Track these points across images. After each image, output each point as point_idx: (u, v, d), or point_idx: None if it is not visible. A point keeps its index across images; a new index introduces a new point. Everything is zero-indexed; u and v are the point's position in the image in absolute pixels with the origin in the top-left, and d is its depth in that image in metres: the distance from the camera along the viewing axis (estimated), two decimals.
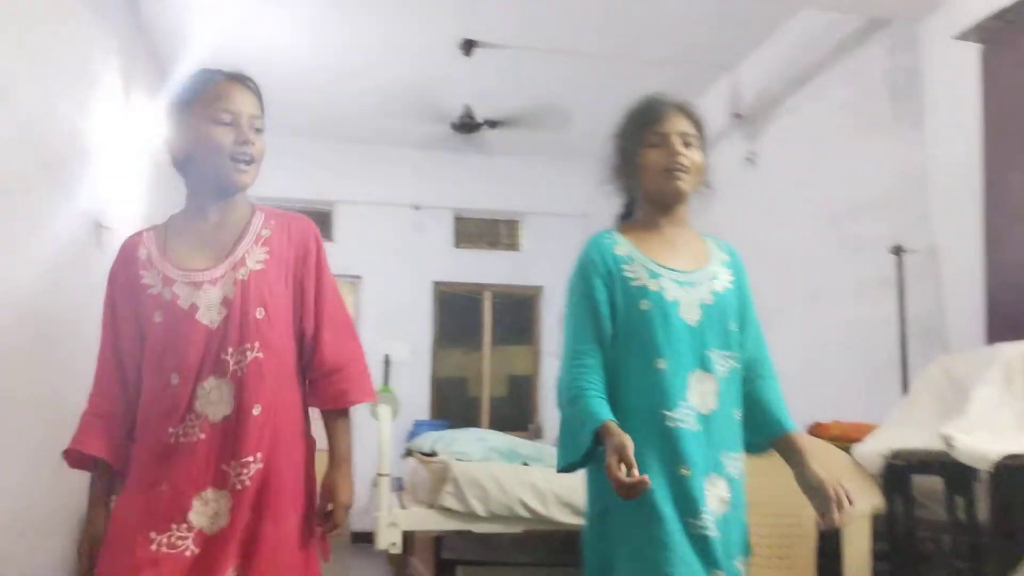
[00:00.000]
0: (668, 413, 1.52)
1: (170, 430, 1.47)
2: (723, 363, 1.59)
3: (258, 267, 1.54)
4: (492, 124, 5.46)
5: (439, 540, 3.78)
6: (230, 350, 1.49)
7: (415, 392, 6.18)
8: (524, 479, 3.48)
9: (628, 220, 1.74)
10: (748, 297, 1.71)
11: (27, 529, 3.03)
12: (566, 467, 1.58)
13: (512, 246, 6.80)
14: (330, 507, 1.57)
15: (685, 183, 1.63)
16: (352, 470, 1.63)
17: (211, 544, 1.44)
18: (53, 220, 3.25)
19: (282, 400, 1.54)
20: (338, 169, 6.29)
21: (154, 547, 1.42)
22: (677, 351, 1.55)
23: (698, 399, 1.55)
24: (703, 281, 1.62)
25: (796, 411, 4.14)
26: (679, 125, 1.64)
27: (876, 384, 3.53)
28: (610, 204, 5.99)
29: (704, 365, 1.57)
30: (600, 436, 1.46)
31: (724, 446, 1.56)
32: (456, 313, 6.67)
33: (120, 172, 4.16)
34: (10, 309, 2.87)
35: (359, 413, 6.11)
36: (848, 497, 1.49)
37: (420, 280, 6.46)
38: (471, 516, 3.44)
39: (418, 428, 5.61)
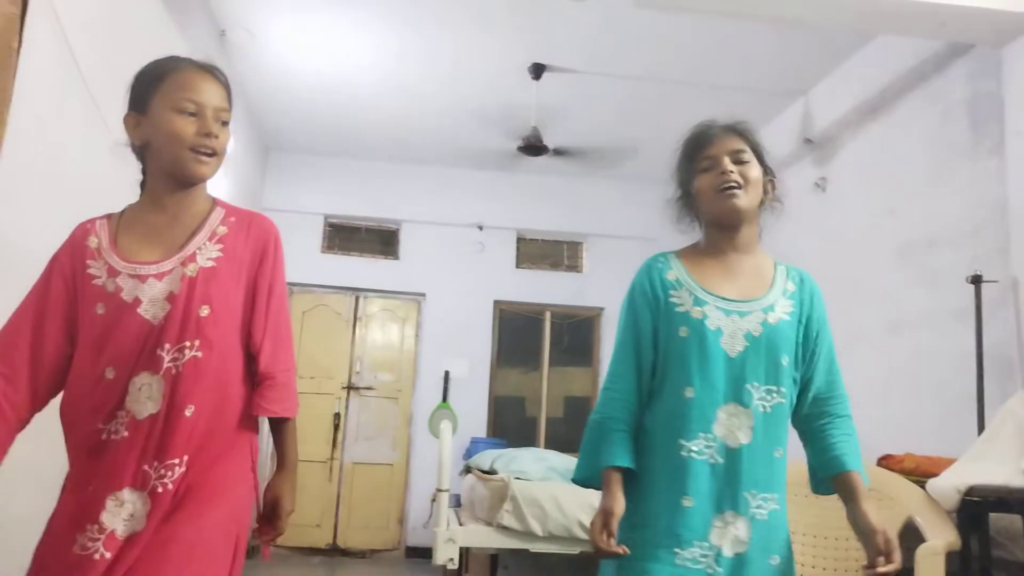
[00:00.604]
0: (684, 442, 1.51)
1: (100, 426, 1.40)
2: (765, 398, 1.53)
3: (208, 264, 1.47)
4: (558, 149, 5.50)
5: (495, 558, 3.79)
6: (167, 346, 1.41)
7: (473, 410, 6.21)
8: (583, 500, 3.46)
9: (692, 245, 1.72)
10: (819, 329, 1.64)
11: None
12: (580, 483, 1.63)
13: (574, 267, 6.81)
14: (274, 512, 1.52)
15: (740, 199, 1.59)
16: (296, 479, 1.57)
17: (124, 549, 1.35)
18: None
19: (221, 402, 1.46)
20: (406, 189, 6.43)
21: (75, 549, 1.35)
22: (709, 381, 1.53)
23: (725, 432, 1.51)
24: (754, 311, 1.58)
25: (867, 443, 4.03)
26: (728, 145, 1.62)
27: (951, 417, 3.42)
28: (675, 229, 5.90)
29: (739, 398, 1.52)
30: (607, 477, 1.53)
31: (752, 485, 1.50)
32: (516, 332, 6.70)
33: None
34: None
35: (420, 430, 6.25)
36: (894, 552, 1.46)
37: (482, 299, 6.52)
38: (529, 535, 3.44)
39: (475, 446, 5.64)
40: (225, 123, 1.51)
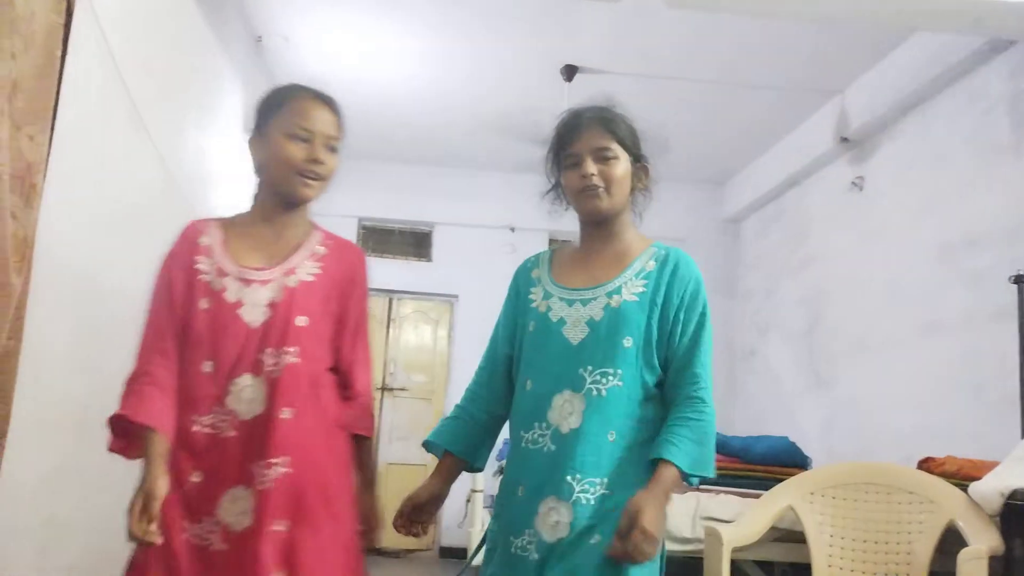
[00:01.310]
0: (523, 433, 1.55)
1: (194, 417, 1.47)
2: (600, 381, 1.50)
3: (308, 279, 1.56)
4: None
5: None
6: (268, 351, 1.49)
7: None
8: None
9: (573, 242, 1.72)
10: (681, 309, 1.56)
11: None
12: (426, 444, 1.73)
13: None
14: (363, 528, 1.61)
15: (602, 201, 1.58)
16: (376, 491, 1.69)
17: (237, 542, 1.44)
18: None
19: (316, 407, 1.53)
20: (439, 191, 6.47)
21: (186, 535, 1.44)
22: (546, 371, 1.54)
23: (558, 418, 1.51)
24: (598, 297, 1.56)
25: (907, 445, 3.98)
26: (591, 141, 1.60)
27: (993, 419, 3.35)
28: (708, 230, 5.95)
29: (573, 384, 1.51)
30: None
31: (576, 469, 1.47)
32: None
33: (237, 194, 4.41)
34: (139, 317, 3.08)
35: None
36: (631, 537, 1.37)
37: None
38: None
39: (507, 447, 5.65)
40: (333, 150, 1.61)
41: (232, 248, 1.58)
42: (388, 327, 6.46)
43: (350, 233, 6.43)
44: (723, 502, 3.34)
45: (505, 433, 5.89)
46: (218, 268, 1.54)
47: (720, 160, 6.05)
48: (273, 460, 1.46)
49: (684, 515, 3.41)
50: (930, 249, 3.94)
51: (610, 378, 1.50)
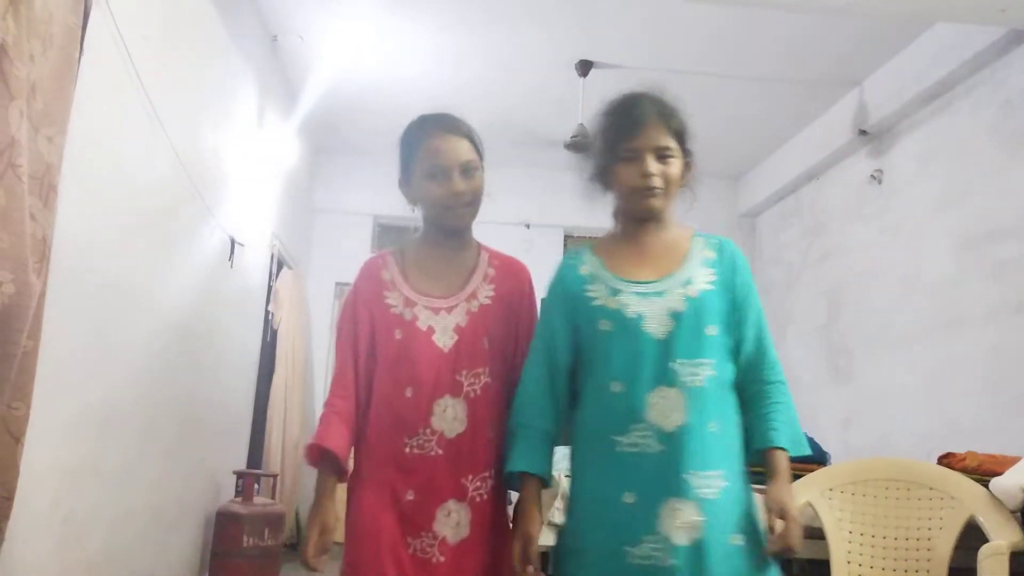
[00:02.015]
0: (617, 438, 1.47)
1: (405, 439, 1.57)
2: (694, 372, 1.48)
3: (487, 302, 1.67)
4: None
5: (546, 556, 3.79)
6: (464, 372, 1.60)
7: None
8: None
9: (609, 234, 1.70)
10: (745, 294, 1.57)
11: (157, 525, 3.25)
12: (505, 479, 1.63)
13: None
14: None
15: (658, 200, 1.57)
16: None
17: (456, 553, 1.55)
18: (195, 236, 3.52)
19: (504, 423, 1.63)
20: None
21: (410, 551, 1.54)
22: (635, 370, 1.48)
23: (659, 417, 1.45)
24: (673, 288, 1.53)
25: (928, 440, 3.94)
26: (654, 139, 1.56)
27: (1015, 414, 3.31)
28: (724, 225, 5.91)
29: (667, 379, 1.47)
30: (521, 489, 1.56)
31: (692, 465, 1.43)
32: None
33: (253, 192, 4.44)
34: (156, 317, 3.11)
35: None
36: (786, 535, 1.40)
37: None
38: None
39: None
40: (471, 172, 1.67)
41: (412, 279, 1.68)
42: None
43: (366, 231, 6.45)
44: None
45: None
46: (405, 299, 1.65)
47: (737, 154, 6.01)
48: (484, 473, 1.59)
49: None
50: (951, 242, 3.89)
51: (704, 368, 1.49)
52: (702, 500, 1.42)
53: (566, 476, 3.57)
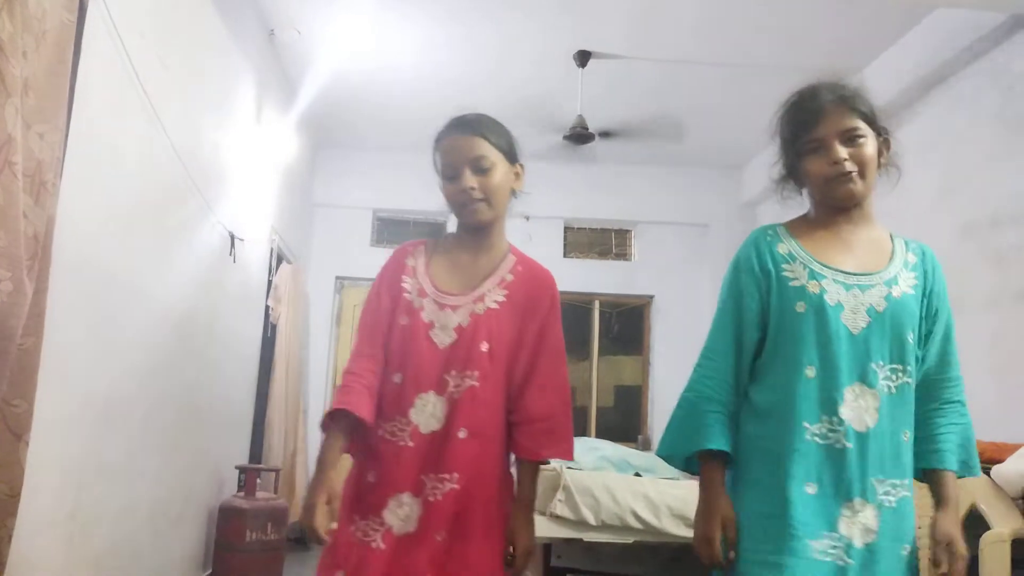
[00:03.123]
0: (808, 426, 1.41)
1: (381, 422, 1.58)
2: (891, 377, 1.43)
3: (494, 306, 1.65)
4: (605, 135, 5.46)
5: (548, 547, 3.80)
6: (453, 372, 1.59)
7: None
8: (637, 489, 3.45)
9: (801, 217, 1.61)
10: (939, 305, 1.53)
11: (161, 520, 3.27)
12: (664, 458, 1.57)
13: (622, 255, 6.77)
14: (511, 550, 1.60)
15: (857, 185, 1.48)
16: (532, 516, 1.66)
17: (398, 545, 1.53)
18: (195, 232, 3.51)
19: (489, 430, 1.61)
20: None
21: (352, 528, 1.55)
22: (832, 360, 1.42)
23: (852, 415, 1.41)
24: (877, 284, 1.47)
25: None
26: (838, 123, 1.48)
27: (1016, 402, 3.31)
28: (727, 214, 5.87)
29: (865, 378, 1.42)
30: (704, 469, 1.48)
31: (880, 471, 1.41)
32: (565, 322, 6.49)
33: (252, 187, 4.44)
34: (156, 313, 3.11)
35: None
36: (951, 568, 1.39)
37: None
38: (582, 525, 3.44)
39: None
40: (485, 169, 1.65)
41: (433, 271, 1.69)
42: None
43: (365, 225, 6.44)
44: None
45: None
46: (419, 288, 1.66)
47: (738, 144, 5.99)
48: (445, 475, 1.56)
49: None
50: (953, 229, 3.88)
51: (900, 375, 1.45)
52: (882, 507, 1.41)
53: (568, 468, 3.58)
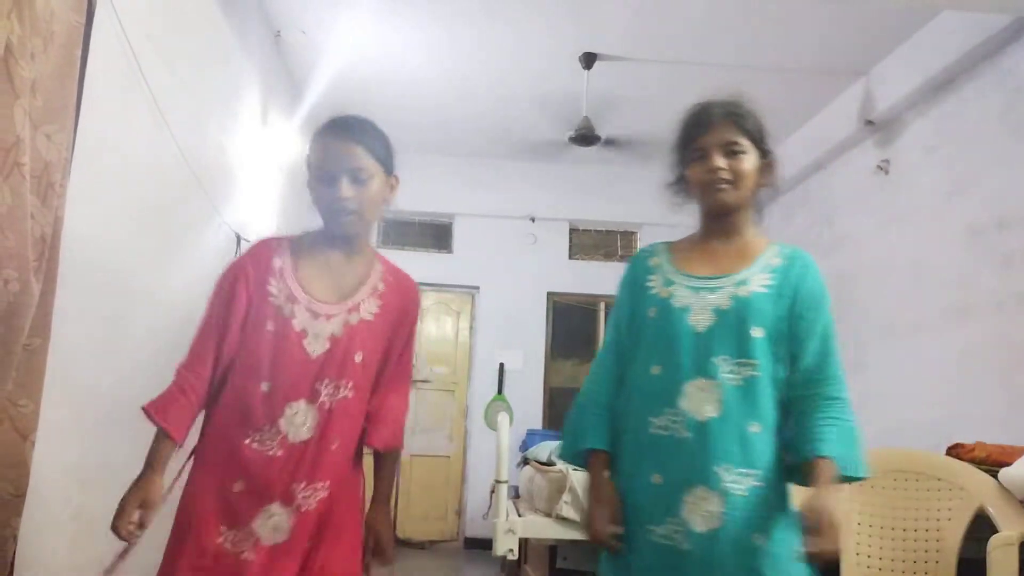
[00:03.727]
0: (652, 419, 1.53)
1: (249, 432, 1.53)
2: (736, 371, 1.50)
3: (369, 317, 1.62)
4: (611, 141, 5.46)
5: (554, 549, 3.79)
6: (325, 382, 1.55)
7: (528, 401, 6.23)
8: None
9: (690, 235, 1.74)
10: (811, 307, 1.57)
11: (165, 521, 3.26)
12: (564, 458, 1.78)
13: (627, 257, 6.75)
14: (371, 544, 1.65)
15: (728, 195, 1.60)
16: (390, 509, 1.72)
17: (268, 555, 1.50)
18: (201, 233, 3.52)
19: (351, 437, 1.62)
20: (458, 182, 6.46)
21: (220, 540, 1.50)
22: (675, 358, 1.53)
23: (693, 406, 1.50)
24: (725, 286, 1.57)
25: (936, 431, 3.92)
26: (721, 135, 1.60)
27: (1023, 405, 3.30)
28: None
29: (706, 372, 1.51)
30: (589, 464, 1.64)
31: (725, 459, 1.47)
32: (570, 324, 6.69)
33: (257, 188, 4.45)
34: (162, 314, 3.12)
35: (476, 422, 6.32)
36: (822, 536, 1.39)
37: (535, 291, 6.52)
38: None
39: (531, 438, 5.66)
40: (362, 181, 1.60)
41: (302, 275, 1.61)
42: None
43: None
44: None
45: (529, 424, 5.86)
46: (288, 294, 1.59)
47: None
48: (318, 484, 1.54)
49: None
50: (959, 232, 3.87)
51: (746, 368, 1.51)
52: (728, 495, 1.45)
53: (574, 469, 3.58)
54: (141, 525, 1.50)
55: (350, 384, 1.57)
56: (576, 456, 1.69)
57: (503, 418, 3.81)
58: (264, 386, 1.54)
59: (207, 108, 3.52)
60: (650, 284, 1.64)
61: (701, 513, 1.45)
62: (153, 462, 1.55)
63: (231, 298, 1.59)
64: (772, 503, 1.48)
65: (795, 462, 1.51)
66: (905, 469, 2.19)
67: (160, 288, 3.06)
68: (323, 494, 1.55)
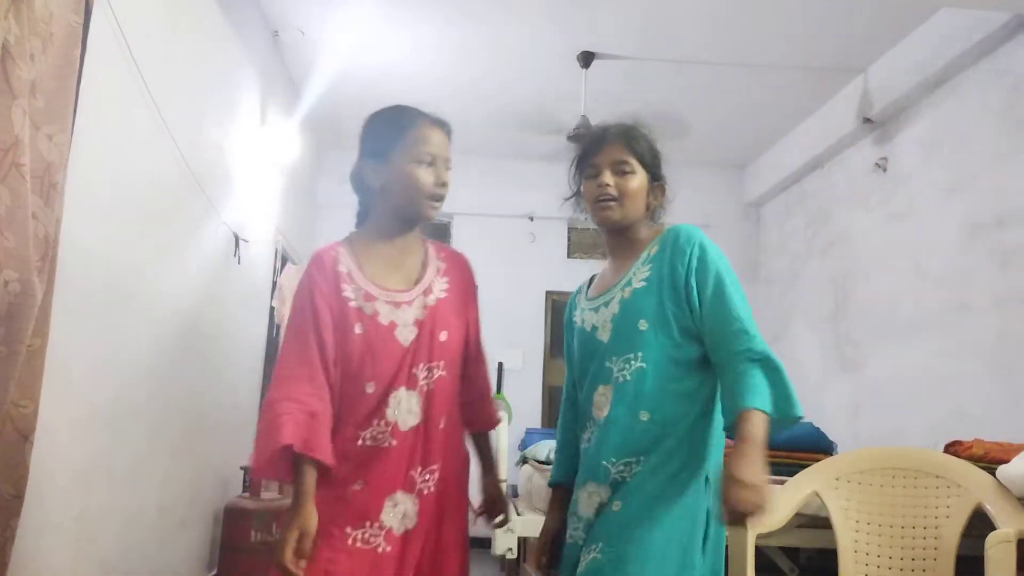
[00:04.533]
0: (581, 434, 1.69)
1: (360, 432, 1.57)
2: (624, 368, 1.59)
3: (443, 295, 1.68)
4: None
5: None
6: (421, 366, 1.61)
7: (527, 400, 6.24)
8: None
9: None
10: (693, 275, 1.58)
11: (167, 521, 3.27)
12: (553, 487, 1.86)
13: None
14: (485, 506, 1.83)
15: (614, 212, 1.67)
16: (499, 476, 1.87)
17: (401, 543, 1.56)
18: (200, 233, 3.52)
19: (455, 415, 1.69)
20: (456, 182, 6.32)
21: (350, 541, 1.54)
22: (588, 374, 1.67)
23: (596, 411, 1.62)
24: (615, 295, 1.66)
25: (935, 428, 3.92)
26: (611, 155, 1.68)
27: (1022, 402, 3.30)
28: (730, 214, 5.89)
29: (605, 377, 1.61)
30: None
31: (610, 453, 1.57)
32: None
33: (256, 188, 4.44)
34: (162, 314, 3.12)
35: None
36: (734, 503, 1.40)
37: (534, 290, 6.53)
38: None
39: (530, 437, 5.66)
40: (450, 169, 1.73)
41: (368, 272, 1.65)
42: None
43: None
44: None
45: (528, 423, 5.87)
46: (365, 293, 1.62)
47: (741, 143, 5.99)
48: (432, 467, 1.61)
49: None
50: (958, 229, 3.87)
51: (632, 362, 1.58)
52: (616, 483, 1.56)
53: None
54: (302, 556, 1.47)
55: (442, 363, 1.63)
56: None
57: (501, 417, 3.82)
58: (369, 387, 1.57)
59: (205, 108, 3.52)
60: (575, 319, 1.77)
61: (593, 505, 1.59)
62: (305, 490, 1.50)
63: (315, 313, 1.58)
64: (640, 475, 1.55)
65: (728, 426, 1.53)
66: (903, 466, 2.19)
67: (158, 288, 3.06)
68: (439, 475, 1.61)
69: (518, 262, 6.48)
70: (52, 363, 1.95)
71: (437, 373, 1.62)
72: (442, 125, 1.72)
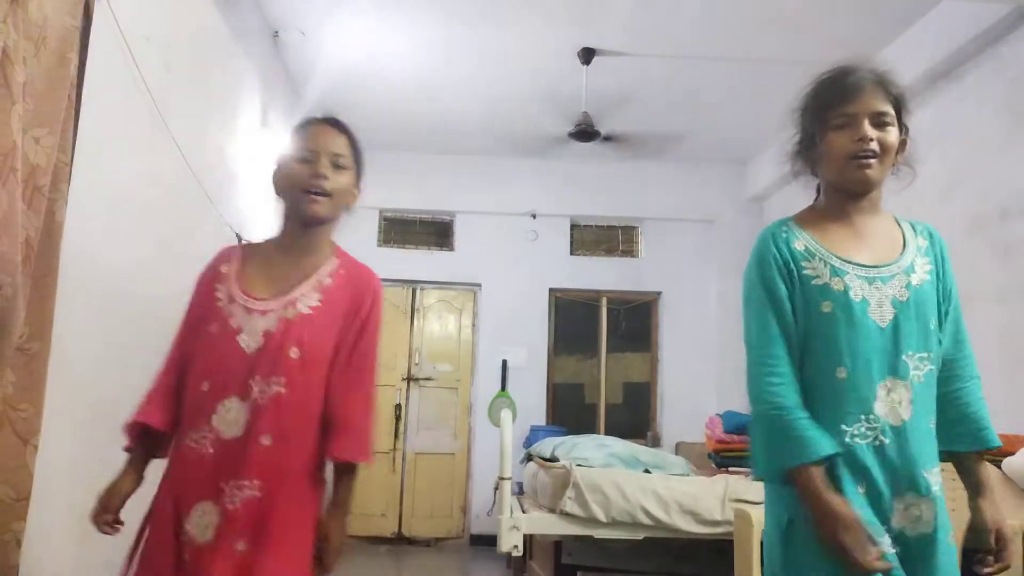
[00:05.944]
0: (845, 428, 1.39)
1: (189, 431, 1.57)
2: (920, 367, 1.42)
3: (306, 311, 1.61)
4: (611, 137, 5.45)
5: (559, 545, 3.80)
6: (257, 378, 1.55)
7: (532, 397, 6.23)
8: (646, 486, 3.44)
9: (809, 209, 1.57)
10: (950, 285, 1.51)
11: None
12: (766, 478, 1.49)
13: (629, 252, 6.75)
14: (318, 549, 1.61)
15: (875, 171, 1.46)
16: (346, 520, 1.64)
17: (197, 554, 1.50)
18: (202, 234, 3.52)
19: (296, 438, 1.57)
20: (459, 180, 6.46)
21: (183, 537, 1.53)
22: (863, 358, 1.40)
23: (887, 410, 1.39)
24: (897, 275, 1.46)
25: None
26: (872, 104, 1.46)
27: None
28: (733, 209, 5.87)
29: (897, 371, 1.40)
30: (805, 479, 1.37)
31: (922, 462, 1.39)
32: (572, 320, 6.69)
33: (257, 189, 4.44)
34: (164, 315, 3.12)
35: (480, 419, 6.30)
36: (1008, 560, 1.37)
37: (537, 287, 6.52)
38: (592, 521, 3.44)
39: (535, 434, 5.66)
40: (341, 167, 1.66)
41: (245, 276, 1.65)
42: (412, 317, 6.49)
43: (372, 225, 6.45)
44: (753, 484, 3.32)
45: (533, 420, 5.80)
46: (229, 295, 1.63)
47: (744, 138, 5.97)
48: (244, 482, 1.52)
49: (714, 498, 3.40)
50: (961, 221, 3.86)
51: (927, 363, 1.43)
52: (935, 499, 1.40)
53: (578, 465, 3.57)
54: (107, 510, 1.63)
55: (283, 380, 1.56)
56: (781, 472, 1.43)
57: (506, 415, 3.81)
58: (205, 385, 1.57)
59: (206, 109, 3.52)
60: (809, 272, 1.46)
61: (912, 520, 1.40)
62: (133, 457, 1.67)
63: (188, 312, 1.69)
64: (945, 500, 1.43)
65: (967, 450, 1.47)
66: None
67: (160, 290, 3.06)
68: (253, 493, 1.51)
69: (521, 260, 6.48)
70: (55, 366, 1.95)
71: (275, 389, 1.55)
72: (335, 124, 1.70)
